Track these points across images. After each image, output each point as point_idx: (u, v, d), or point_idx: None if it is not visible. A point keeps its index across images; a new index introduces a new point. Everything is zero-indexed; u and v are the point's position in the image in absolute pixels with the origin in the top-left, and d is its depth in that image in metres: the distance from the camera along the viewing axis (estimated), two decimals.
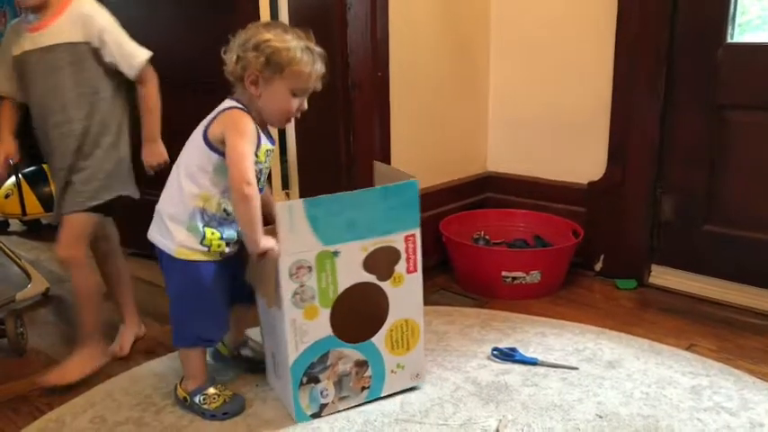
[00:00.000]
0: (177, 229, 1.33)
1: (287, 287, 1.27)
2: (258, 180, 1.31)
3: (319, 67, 1.32)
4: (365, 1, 1.90)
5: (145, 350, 1.70)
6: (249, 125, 1.30)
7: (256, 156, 1.31)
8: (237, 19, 1.96)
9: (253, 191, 1.25)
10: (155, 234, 1.38)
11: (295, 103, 1.33)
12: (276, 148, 1.46)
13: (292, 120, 1.38)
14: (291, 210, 1.24)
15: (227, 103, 1.35)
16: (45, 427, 1.36)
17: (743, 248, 1.90)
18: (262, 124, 1.36)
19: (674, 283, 2.04)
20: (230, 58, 1.33)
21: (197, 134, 1.34)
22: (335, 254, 1.29)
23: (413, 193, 1.35)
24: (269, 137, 1.38)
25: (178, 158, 1.38)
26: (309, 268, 1.28)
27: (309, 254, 1.27)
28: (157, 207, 1.39)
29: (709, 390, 1.45)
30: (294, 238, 1.25)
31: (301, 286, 1.28)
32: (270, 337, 1.42)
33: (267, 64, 1.29)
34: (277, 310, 1.31)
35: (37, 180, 2.83)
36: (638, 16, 1.95)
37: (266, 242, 1.26)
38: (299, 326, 1.29)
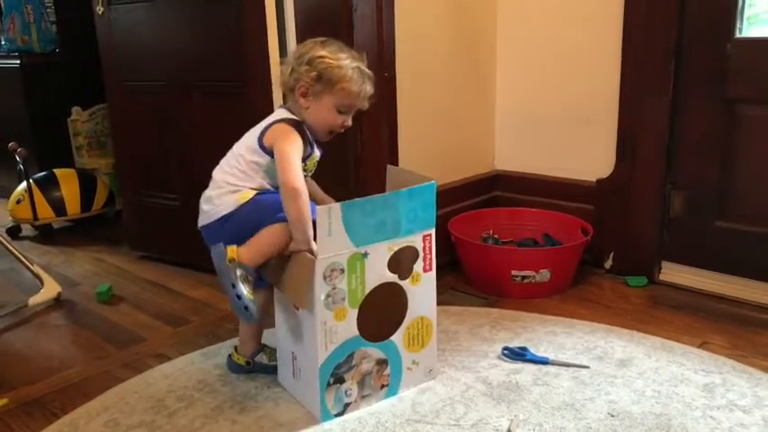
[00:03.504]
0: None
1: (320, 290, 1.28)
2: None
3: (368, 89, 1.41)
4: (371, 1, 1.90)
5: (156, 354, 1.71)
6: (295, 137, 1.37)
7: (305, 163, 1.40)
8: (242, 22, 1.98)
9: (301, 187, 1.31)
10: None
11: (340, 119, 1.42)
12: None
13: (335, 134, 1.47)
14: (330, 213, 1.25)
15: (280, 113, 1.43)
16: (59, 431, 1.37)
17: (755, 244, 1.89)
18: (312, 134, 1.44)
19: (685, 280, 2.03)
20: (285, 69, 1.42)
21: (251, 139, 1.41)
22: (365, 255, 1.32)
23: (432, 194, 1.40)
24: (319, 145, 1.47)
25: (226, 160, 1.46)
26: (342, 270, 1.30)
27: (342, 256, 1.29)
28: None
29: (722, 387, 1.44)
30: (331, 240, 1.27)
31: (333, 288, 1.30)
32: (291, 340, 1.42)
33: (318, 79, 1.38)
34: (306, 312, 1.32)
35: (48, 185, 2.85)
36: (646, 11, 1.94)
37: (313, 243, 1.30)
38: (330, 327, 1.31)
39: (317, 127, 1.43)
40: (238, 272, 1.30)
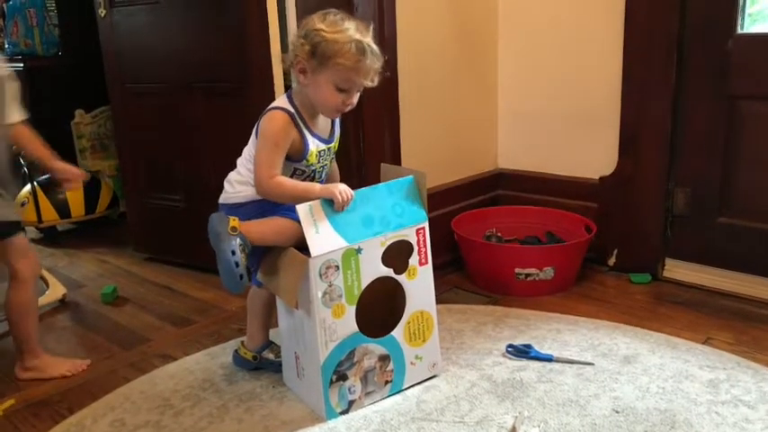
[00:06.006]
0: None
1: (317, 288, 1.29)
2: (312, 179, 1.39)
3: (369, 63, 1.29)
4: (372, 1, 1.90)
5: (162, 354, 1.72)
6: (277, 129, 1.32)
7: (306, 159, 1.36)
8: (244, 23, 1.98)
9: (271, 181, 1.31)
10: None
11: (340, 97, 1.31)
12: (335, 143, 1.45)
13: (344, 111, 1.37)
14: (312, 211, 1.26)
15: (277, 101, 1.39)
16: (66, 431, 1.38)
17: (758, 240, 1.89)
18: (311, 119, 1.37)
19: (689, 277, 2.03)
20: (290, 45, 1.35)
21: (254, 131, 1.40)
22: (359, 251, 1.32)
23: (412, 187, 1.40)
24: (322, 138, 1.40)
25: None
26: (337, 267, 1.30)
27: (336, 253, 1.30)
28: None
29: (727, 383, 1.44)
30: (320, 238, 1.27)
31: (330, 286, 1.30)
32: (293, 340, 1.43)
33: (313, 54, 1.29)
34: (304, 311, 1.33)
35: (52, 188, 2.86)
36: (647, 8, 1.94)
37: (330, 188, 1.29)
38: (329, 325, 1.32)
39: (319, 105, 1.35)
40: (238, 241, 1.29)
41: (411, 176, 1.40)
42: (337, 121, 1.46)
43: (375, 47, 1.31)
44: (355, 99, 1.34)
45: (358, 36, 1.28)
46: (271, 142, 1.32)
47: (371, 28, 1.33)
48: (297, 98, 1.37)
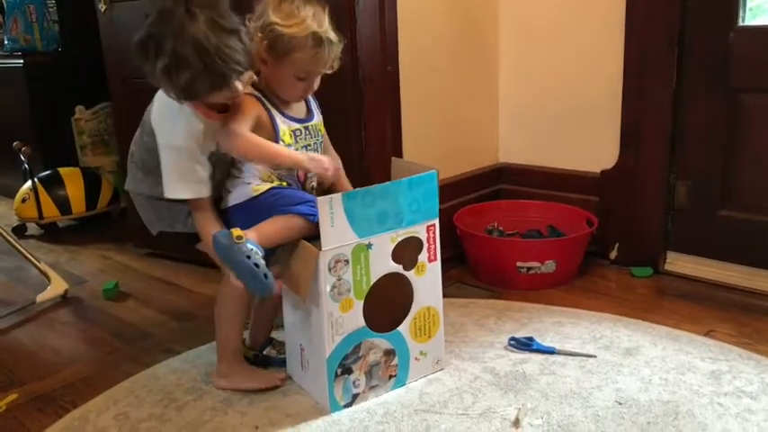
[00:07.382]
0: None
1: (325, 281, 1.29)
2: None
3: (326, 53, 1.30)
4: None
5: (164, 348, 1.72)
6: (248, 108, 1.33)
7: (281, 140, 1.35)
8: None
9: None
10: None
11: (300, 86, 1.35)
12: (316, 123, 1.44)
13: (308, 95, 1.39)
14: (332, 204, 1.26)
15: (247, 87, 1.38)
16: (69, 426, 1.38)
17: (759, 233, 1.89)
18: (282, 101, 1.38)
19: (691, 270, 2.03)
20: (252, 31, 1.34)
21: None
22: (369, 246, 1.32)
23: (433, 184, 1.40)
24: (296, 118, 1.39)
25: None
26: (346, 261, 1.30)
27: (347, 247, 1.30)
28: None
29: (729, 374, 1.44)
30: (334, 232, 1.27)
31: (339, 280, 1.30)
32: (299, 332, 1.43)
33: (270, 48, 1.31)
34: (312, 304, 1.33)
35: (53, 184, 2.86)
36: (648, 1, 1.94)
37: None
38: (336, 319, 1.32)
39: (281, 94, 1.37)
40: (249, 246, 1.24)
41: (434, 172, 1.39)
42: (312, 101, 1.45)
43: (332, 34, 1.31)
44: (316, 84, 1.37)
45: (314, 27, 1.29)
46: (241, 115, 1.31)
47: (326, 10, 1.33)
48: (262, 83, 1.38)
